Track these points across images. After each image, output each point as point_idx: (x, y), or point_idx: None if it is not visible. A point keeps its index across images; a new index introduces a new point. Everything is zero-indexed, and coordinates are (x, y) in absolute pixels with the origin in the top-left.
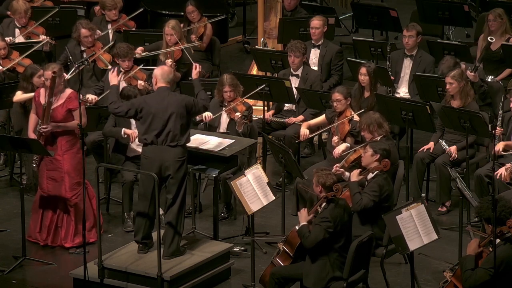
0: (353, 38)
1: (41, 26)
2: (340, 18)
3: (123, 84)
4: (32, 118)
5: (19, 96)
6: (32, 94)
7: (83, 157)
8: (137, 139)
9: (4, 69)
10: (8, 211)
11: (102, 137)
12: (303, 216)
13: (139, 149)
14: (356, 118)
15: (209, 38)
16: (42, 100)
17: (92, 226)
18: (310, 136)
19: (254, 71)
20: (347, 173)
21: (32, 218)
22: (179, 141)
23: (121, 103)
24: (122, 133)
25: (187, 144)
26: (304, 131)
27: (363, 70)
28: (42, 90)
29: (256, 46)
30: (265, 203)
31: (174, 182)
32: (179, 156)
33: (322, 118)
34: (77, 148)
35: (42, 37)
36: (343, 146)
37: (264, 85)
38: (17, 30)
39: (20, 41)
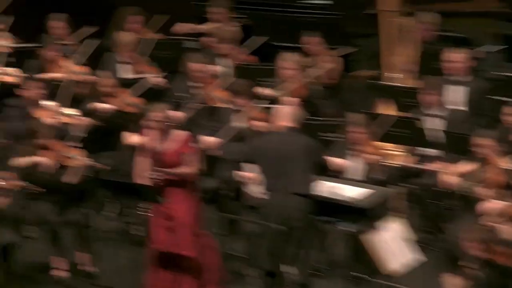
0: (504, 74)
1: (148, 60)
2: (486, 51)
3: (238, 124)
4: (140, 162)
5: (131, 138)
6: (144, 136)
7: (200, 205)
8: (255, 186)
9: (113, 108)
10: (120, 265)
11: (220, 184)
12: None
13: (260, 196)
14: (508, 166)
15: (338, 73)
16: (152, 143)
17: (213, 281)
18: (456, 184)
19: (383, 109)
20: (502, 227)
21: (148, 274)
22: (303, 188)
23: (238, 150)
24: (237, 175)
25: (315, 192)
26: (448, 178)
27: (509, 110)
28: (151, 132)
29: (385, 82)
30: (405, 262)
31: (299, 235)
32: (304, 205)
33: (469, 165)
34: (193, 196)
35: (151, 73)
36: (498, 204)
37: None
38: (121, 66)
39: (127, 78)
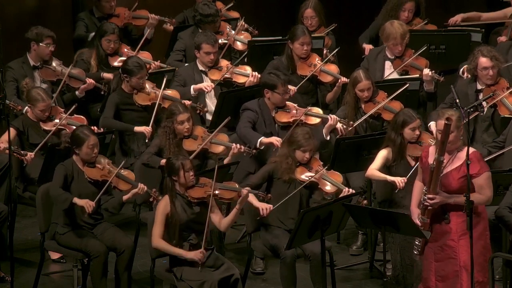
0: None
1: (422, 56)
2: None
3: None
4: (417, 186)
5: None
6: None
7: (487, 246)
8: None
9: (366, 116)
10: None
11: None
12: None
13: None
14: None
15: None
16: (431, 160)
17: None
18: None
19: None
20: None
21: None
22: None
23: None
24: None
25: None
26: None
27: None
28: (431, 149)
29: None
30: None
31: None
32: None
33: None
34: (479, 232)
35: (426, 70)
36: None
37: None
38: (387, 63)
39: (391, 78)
